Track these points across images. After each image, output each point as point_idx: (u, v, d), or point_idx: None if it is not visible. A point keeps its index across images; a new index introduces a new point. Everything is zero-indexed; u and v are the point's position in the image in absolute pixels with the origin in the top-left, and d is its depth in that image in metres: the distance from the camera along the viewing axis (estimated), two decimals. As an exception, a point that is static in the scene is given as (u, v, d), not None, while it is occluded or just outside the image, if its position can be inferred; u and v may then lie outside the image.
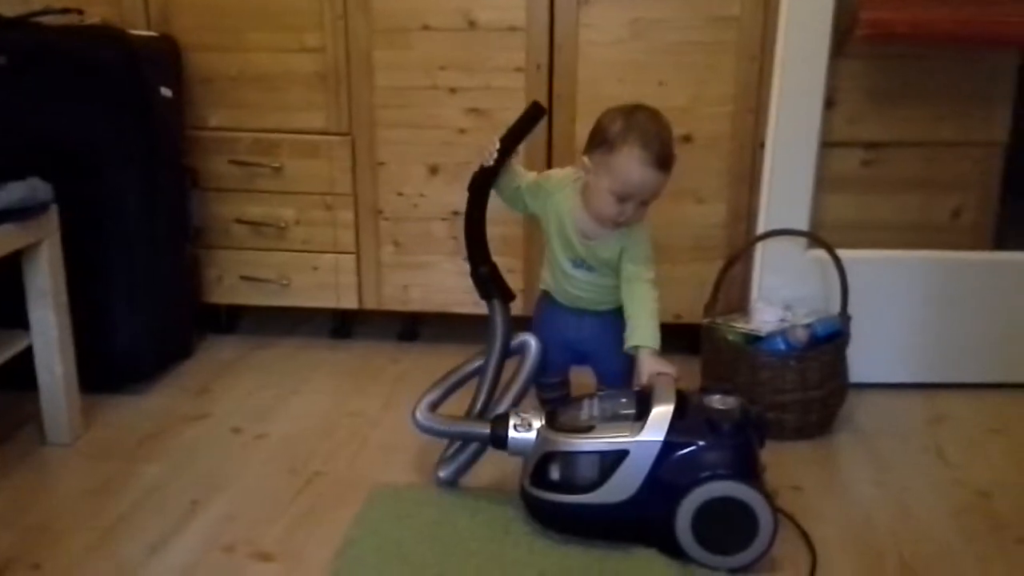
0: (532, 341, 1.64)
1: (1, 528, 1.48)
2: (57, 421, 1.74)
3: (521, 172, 1.65)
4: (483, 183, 1.59)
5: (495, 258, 1.62)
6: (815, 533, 1.46)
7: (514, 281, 2.07)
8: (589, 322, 1.67)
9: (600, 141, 1.53)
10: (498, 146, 1.57)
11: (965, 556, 1.43)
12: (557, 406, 1.56)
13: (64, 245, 1.70)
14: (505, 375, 1.65)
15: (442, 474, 1.60)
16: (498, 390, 1.62)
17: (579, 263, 1.63)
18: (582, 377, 1.75)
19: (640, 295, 1.58)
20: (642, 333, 1.56)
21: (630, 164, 1.50)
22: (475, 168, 1.60)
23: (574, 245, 1.61)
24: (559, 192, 1.62)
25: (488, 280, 1.62)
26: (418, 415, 1.58)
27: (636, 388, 1.51)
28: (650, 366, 1.52)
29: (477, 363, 1.65)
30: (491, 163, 1.57)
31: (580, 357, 1.71)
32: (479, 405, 1.61)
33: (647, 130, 1.50)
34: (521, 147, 1.64)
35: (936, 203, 2.04)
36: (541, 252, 2.10)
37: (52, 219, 1.68)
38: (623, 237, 1.58)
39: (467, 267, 2.11)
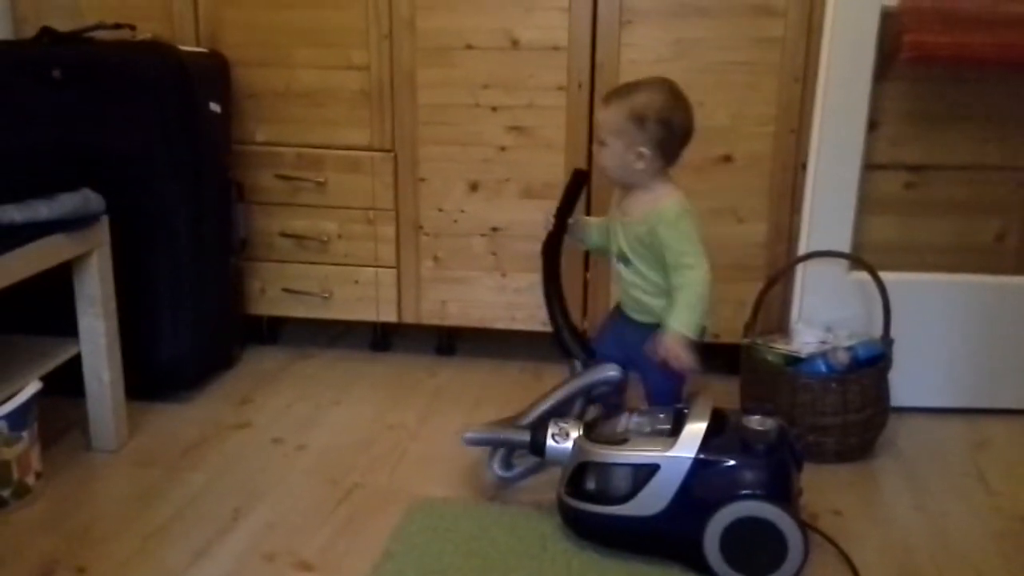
0: (608, 369, 1.64)
1: (47, 531, 1.51)
2: (103, 427, 1.77)
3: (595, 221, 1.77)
4: (549, 247, 1.72)
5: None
6: (855, 557, 1.45)
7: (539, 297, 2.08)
8: (633, 330, 1.67)
9: None
10: (554, 215, 1.71)
11: (1007, 584, 1.42)
12: (606, 407, 1.59)
13: (111, 255, 1.73)
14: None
15: (499, 470, 1.61)
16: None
17: (621, 256, 1.66)
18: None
19: (680, 283, 1.57)
20: (672, 315, 1.56)
21: None
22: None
23: (617, 233, 1.65)
24: None
25: (569, 341, 1.69)
26: (468, 433, 1.60)
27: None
28: (665, 344, 1.54)
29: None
30: (551, 228, 1.71)
31: (627, 364, 1.69)
32: (527, 419, 1.62)
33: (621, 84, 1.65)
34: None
35: (979, 227, 2.02)
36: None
37: (103, 230, 1.71)
38: (650, 212, 1.59)
39: (505, 283, 2.16)
